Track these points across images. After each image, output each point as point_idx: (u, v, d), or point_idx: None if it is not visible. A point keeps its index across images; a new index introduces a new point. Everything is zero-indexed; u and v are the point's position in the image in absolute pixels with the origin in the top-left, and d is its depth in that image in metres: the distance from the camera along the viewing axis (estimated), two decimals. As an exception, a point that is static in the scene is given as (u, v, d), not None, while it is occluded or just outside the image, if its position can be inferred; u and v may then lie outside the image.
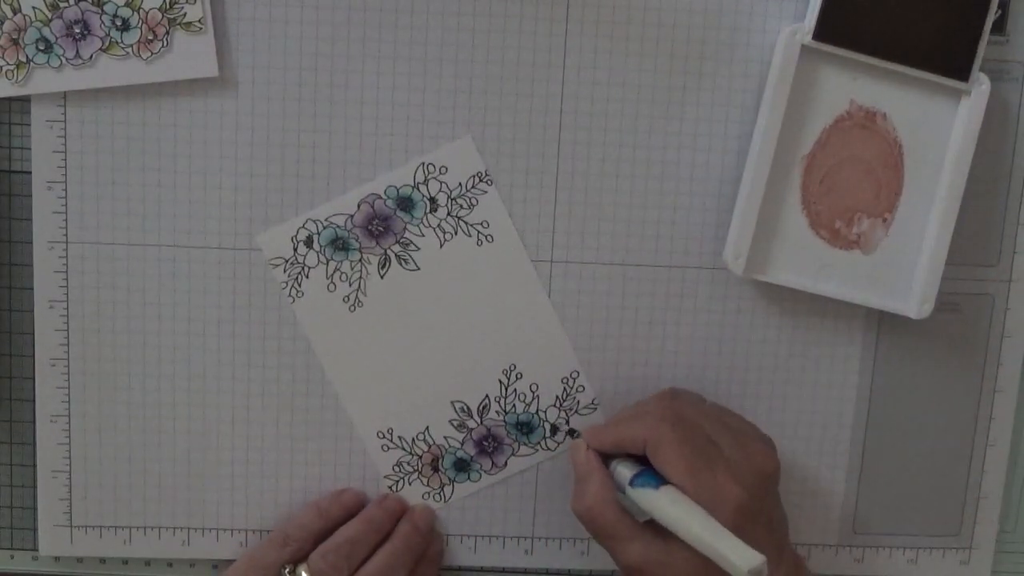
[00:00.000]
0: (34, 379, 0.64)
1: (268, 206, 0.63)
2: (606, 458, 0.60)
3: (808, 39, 0.60)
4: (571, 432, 0.65)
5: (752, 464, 0.57)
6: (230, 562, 0.64)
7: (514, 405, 0.65)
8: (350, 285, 0.64)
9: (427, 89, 0.62)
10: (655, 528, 0.56)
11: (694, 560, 0.54)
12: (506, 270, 0.64)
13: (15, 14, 0.59)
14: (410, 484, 0.66)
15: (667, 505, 0.55)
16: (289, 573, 0.61)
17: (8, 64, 0.60)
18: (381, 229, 0.63)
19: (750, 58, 0.62)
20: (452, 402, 0.65)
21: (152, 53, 0.60)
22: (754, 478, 0.56)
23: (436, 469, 0.66)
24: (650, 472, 0.57)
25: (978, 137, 0.61)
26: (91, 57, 0.60)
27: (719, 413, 0.61)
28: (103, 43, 0.60)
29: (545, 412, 0.65)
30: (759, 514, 0.56)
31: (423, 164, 0.63)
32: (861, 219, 0.63)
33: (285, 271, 0.63)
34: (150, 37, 0.60)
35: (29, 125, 0.61)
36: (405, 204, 0.63)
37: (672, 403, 0.60)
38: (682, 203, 0.64)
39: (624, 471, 0.58)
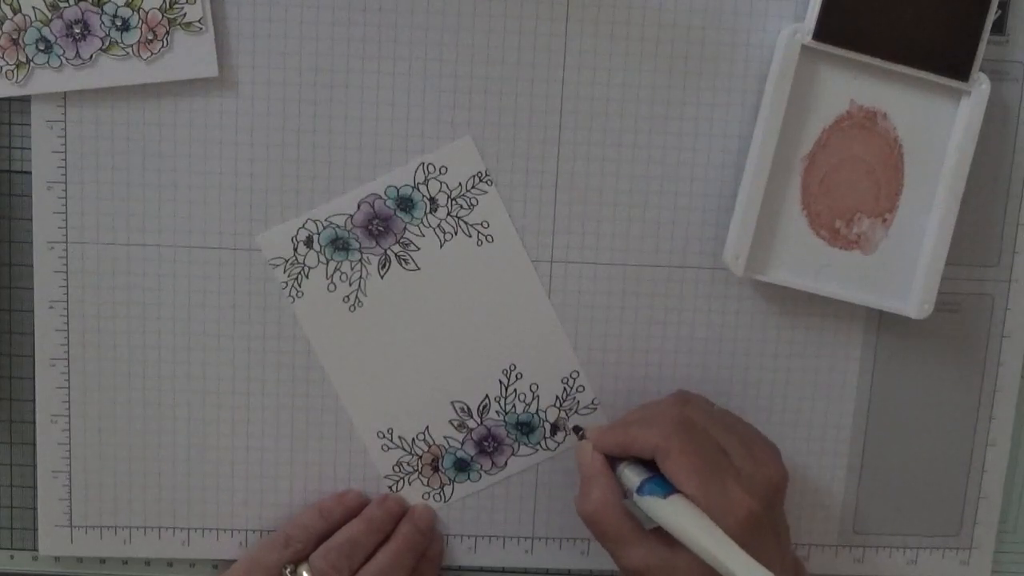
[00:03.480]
0: (34, 379, 0.64)
1: (268, 206, 0.63)
2: (612, 460, 0.60)
3: (808, 39, 0.60)
4: (575, 429, 0.65)
5: (762, 474, 0.56)
6: (230, 562, 0.64)
7: (514, 405, 0.65)
8: (350, 285, 0.64)
9: (427, 89, 0.62)
10: (659, 534, 0.56)
11: (698, 568, 0.54)
12: (506, 270, 0.64)
13: (15, 14, 0.59)
14: (410, 484, 0.66)
15: (676, 515, 0.54)
16: (290, 573, 0.61)
17: (8, 64, 0.60)
18: (381, 229, 0.63)
19: (750, 58, 0.62)
20: (452, 402, 0.65)
21: (152, 53, 0.60)
22: (764, 488, 0.56)
23: (436, 469, 0.66)
24: (658, 479, 0.56)
25: (978, 137, 0.61)
26: (91, 57, 0.60)
27: (727, 419, 0.61)
28: (103, 43, 0.60)
29: (545, 412, 0.65)
30: (767, 524, 0.56)
31: (423, 164, 0.63)
32: (861, 219, 0.63)
33: (285, 271, 0.63)
34: (150, 37, 0.60)
35: (29, 125, 0.61)
36: (405, 204, 0.63)
37: (683, 409, 0.59)
38: (682, 203, 0.64)
39: (632, 476, 0.58)
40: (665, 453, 0.56)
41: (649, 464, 0.58)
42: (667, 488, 0.55)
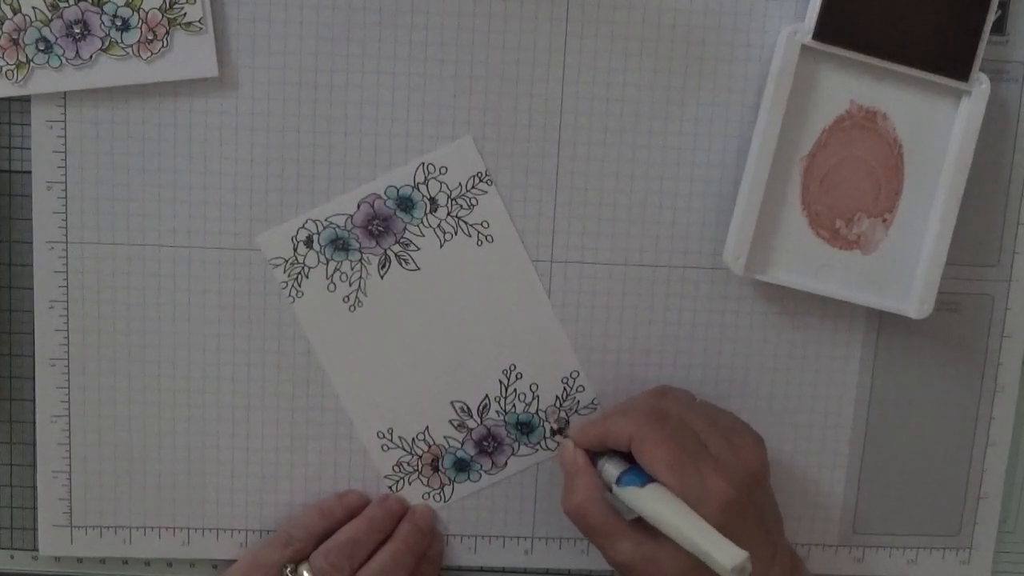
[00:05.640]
0: (34, 379, 0.64)
1: (268, 206, 0.63)
2: (595, 455, 0.60)
3: (808, 39, 0.60)
4: (560, 431, 0.65)
5: (740, 461, 0.56)
6: (230, 562, 0.64)
7: (514, 405, 0.65)
8: (350, 285, 0.64)
9: (427, 89, 0.62)
10: (645, 526, 0.56)
11: (683, 558, 0.54)
12: (506, 270, 0.64)
13: (15, 14, 0.59)
14: (410, 484, 0.66)
15: (653, 503, 0.55)
16: (291, 572, 0.61)
17: (8, 64, 0.60)
18: (381, 229, 0.63)
19: (750, 58, 0.62)
20: (452, 402, 0.65)
21: (152, 53, 0.60)
22: (741, 475, 0.56)
23: (436, 469, 0.66)
24: (636, 470, 0.57)
25: (978, 137, 0.61)
26: (91, 57, 0.60)
27: (708, 411, 0.61)
28: (103, 43, 0.60)
29: (545, 412, 0.65)
30: (748, 511, 0.56)
31: (423, 164, 0.63)
32: (861, 219, 0.63)
33: (285, 271, 0.63)
34: (150, 37, 0.60)
35: (29, 125, 0.61)
36: (405, 204, 0.63)
37: (660, 400, 0.60)
38: (682, 203, 0.64)
39: (611, 469, 0.58)
40: (640, 443, 0.56)
41: (629, 457, 0.58)
42: (644, 478, 0.56)
